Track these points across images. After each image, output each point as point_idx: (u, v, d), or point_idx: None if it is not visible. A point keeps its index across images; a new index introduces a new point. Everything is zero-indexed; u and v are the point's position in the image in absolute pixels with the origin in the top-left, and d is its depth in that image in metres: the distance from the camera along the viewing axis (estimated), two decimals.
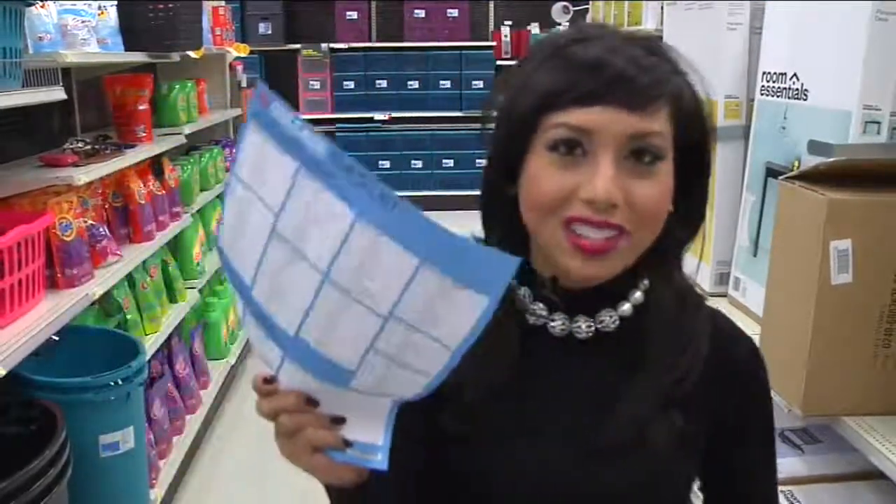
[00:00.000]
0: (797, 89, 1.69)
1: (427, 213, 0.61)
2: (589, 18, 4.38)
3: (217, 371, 3.77)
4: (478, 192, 0.94)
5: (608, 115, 0.79)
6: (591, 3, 4.35)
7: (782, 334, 1.47)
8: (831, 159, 1.44)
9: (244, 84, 4.99)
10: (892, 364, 1.37)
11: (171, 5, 3.32)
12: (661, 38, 0.95)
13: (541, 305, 0.90)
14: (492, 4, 8.13)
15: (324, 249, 0.64)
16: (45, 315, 2.17)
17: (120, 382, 2.25)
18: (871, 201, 1.34)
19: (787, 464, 1.71)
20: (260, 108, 0.67)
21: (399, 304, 0.64)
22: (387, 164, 7.77)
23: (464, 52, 7.72)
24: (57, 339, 2.24)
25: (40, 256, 2.22)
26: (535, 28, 7.81)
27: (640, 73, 0.79)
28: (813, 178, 1.42)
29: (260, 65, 7.48)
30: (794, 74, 1.70)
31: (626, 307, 0.90)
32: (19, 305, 2.12)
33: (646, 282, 0.91)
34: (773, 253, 1.55)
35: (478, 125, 0.92)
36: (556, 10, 7.33)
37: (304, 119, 0.65)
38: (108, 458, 2.26)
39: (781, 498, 1.61)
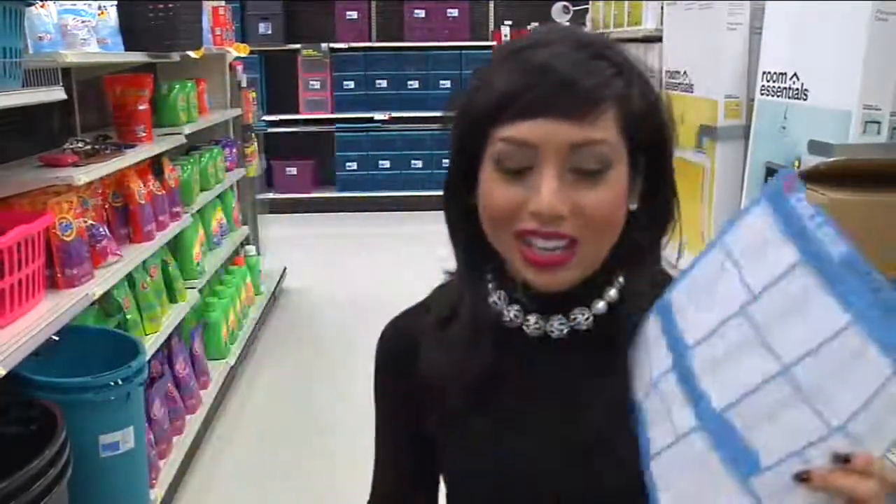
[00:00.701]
0: (797, 89, 1.69)
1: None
2: (589, 18, 4.37)
3: (217, 371, 3.77)
4: None
5: (548, 127, 0.79)
6: (591, 3, 4.35)
7: None
8: (831, 159, 1.44)
9: (244, 84, 4.99)
10: None
11: (171, 5, 3.32)
12: (621, 41, 0.95)
13: (516, 307, 0.91)
14: (492, 4, 8.14)
15: (795, 344, 0.63)
16: (45, 315, 2.17)
17: (120, 382, 2.25)
18: (871, 201, 1.34)
19: None
20: (779, 192, 0.67)
21: (857, 418, 0.61)
22: (387, 164, 7.77)
23: (464, 52, 7.72)
24: (57, 339, 2.24)
25: (40, 256, 2.22)
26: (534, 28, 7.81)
27: (584, 77, 0.79)
28: (813, 178, 1.42)
29: (260, 65, 7.48)
30: (794, 74, 1.70)
31: (600, 305, 0.90)
32: (19, 305, 2.12)
33: (621, 279, 0.91)
34: None
35: None
36: (556, 10, 7.32)
37: (827, 217, 0.64)
38: (108, 458, 2.26)
39: None
